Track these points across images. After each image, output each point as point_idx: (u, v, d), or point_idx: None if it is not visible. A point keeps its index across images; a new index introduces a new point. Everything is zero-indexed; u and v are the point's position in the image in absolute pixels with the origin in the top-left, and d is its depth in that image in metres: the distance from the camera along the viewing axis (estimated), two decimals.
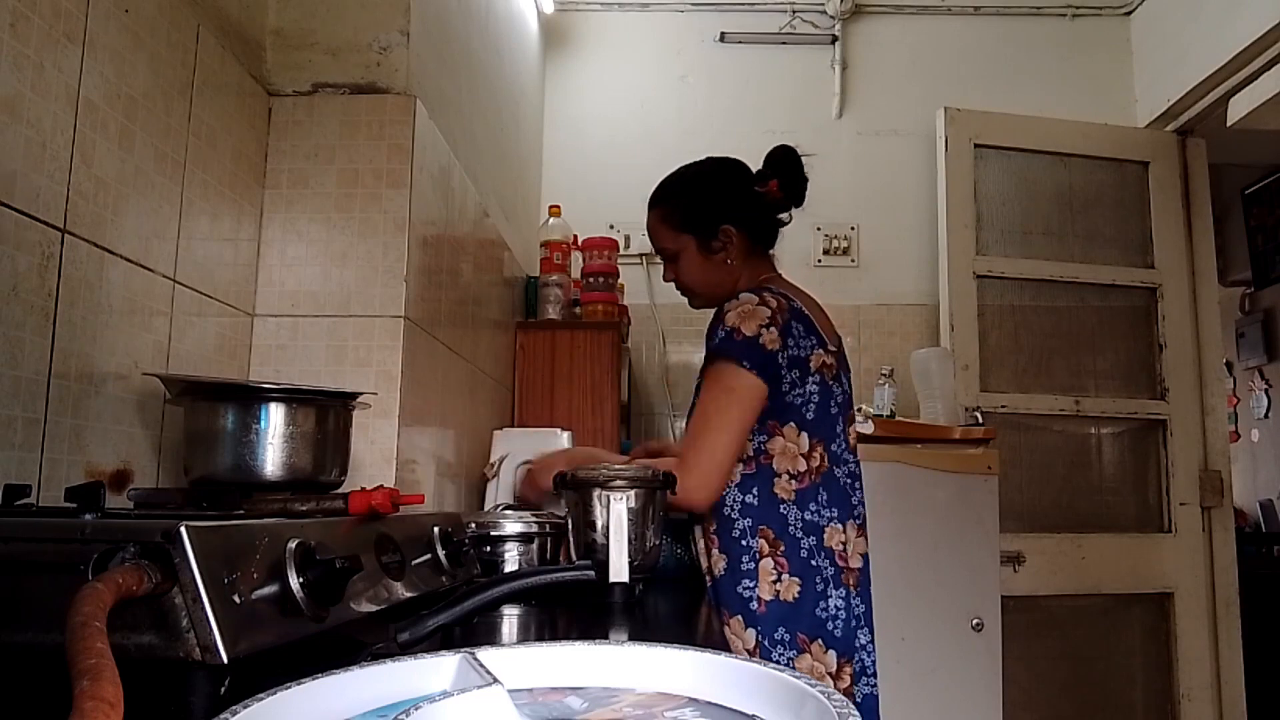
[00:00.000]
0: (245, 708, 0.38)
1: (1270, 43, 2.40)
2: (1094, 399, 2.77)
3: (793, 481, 1.37)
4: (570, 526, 1.38)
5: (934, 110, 2.91)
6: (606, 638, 0.74)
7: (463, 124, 1.91)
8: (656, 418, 2.98)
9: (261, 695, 0.39)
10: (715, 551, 1.40)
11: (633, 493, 1.31)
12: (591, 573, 1.02)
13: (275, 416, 1.01)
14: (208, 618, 0.57)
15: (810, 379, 1.40)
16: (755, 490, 1.38)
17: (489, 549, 1.33)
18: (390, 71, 1.50)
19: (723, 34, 3.13)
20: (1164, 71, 2.88)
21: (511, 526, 1.34)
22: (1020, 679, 2.50)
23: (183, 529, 0.58)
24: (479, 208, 2.02)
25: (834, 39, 3.10)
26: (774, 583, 1.34)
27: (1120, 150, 2.89)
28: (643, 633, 1.01)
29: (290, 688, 0.41)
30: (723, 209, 1.54)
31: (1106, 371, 2.84)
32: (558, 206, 2.60)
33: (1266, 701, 2.96)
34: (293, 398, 1.03)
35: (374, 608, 0.79)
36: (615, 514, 1.23)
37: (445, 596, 0.86)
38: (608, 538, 1.22)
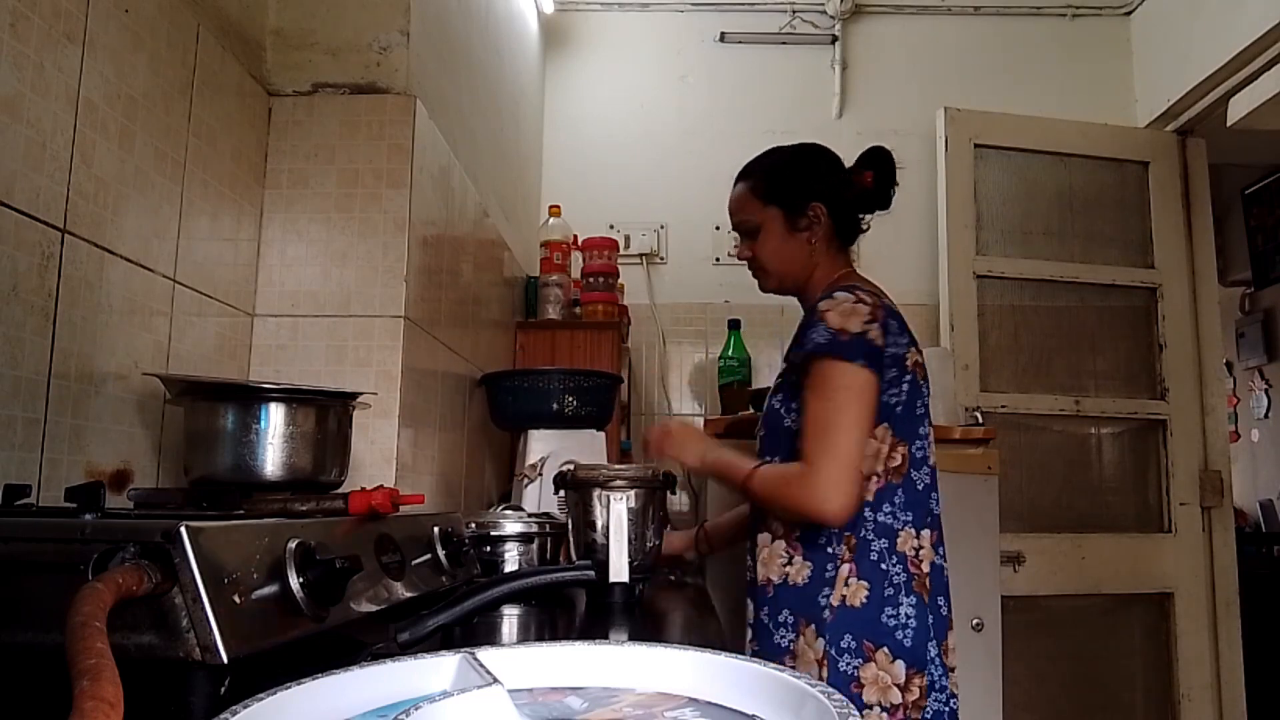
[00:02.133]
0: (245, 708, 0.38)
1: (1270, 43, 2.39)
2: (1094, 399, 2.77)
3: (873, 479, 1.32)
4: (570, 526, 1.38)
5: (934, 110, 2.90)
6: (606, 638, 0.74)
7: (463, 124, 1.91)
8: (656, 418, 2.98)
9: (261, 695, 0.39)
10: (798, 559, 1.32)
11: (632, 493, 1.31)
12: (591, 573, 1.03)
13: (275, 416, 1.01)
14: (208, 618, 0.57)
15: (905, 378, 1.35)
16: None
17: (489, 549, 1.33)
18: (390, 71, 1.50)
19: (723, 34, 3.13)
20: (1164, 71, 2.88)
21: (511, 526, 1.34)
22: (1020, 679, 2.50)
23: (183, 529, 0.58)
24: (479, 208, 2.02)
25: (834, 39, 3.10)
26: (842, 587, 1.29)
27: (1120, 150, 2.89)
28: (642, 633, 1.01)
29: (290, 688, 0.41)
30: (814, 186, 1.46)
31: (1106, 371, 2.83)
32: (558, 206, 2.60)
33: (1266, 701, 2.96)
34: (293, 398, 1.03)
35: (374, 608, 0.79)
36: (615, 514, 1.23)
37: (445, 596, 0.86)
38: (608, 538, 1.22)
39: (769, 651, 1.32)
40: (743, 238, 1.50)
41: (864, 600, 1.27)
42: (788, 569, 1.33)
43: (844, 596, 1.28)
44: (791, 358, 1.37)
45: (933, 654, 1.28)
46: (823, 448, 1.25)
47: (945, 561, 1.37)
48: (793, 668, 1.17)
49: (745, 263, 1.51)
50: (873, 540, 1.30)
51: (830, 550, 1.31)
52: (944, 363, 2.58)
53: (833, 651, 1.26)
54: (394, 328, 1.44)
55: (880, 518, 1.31)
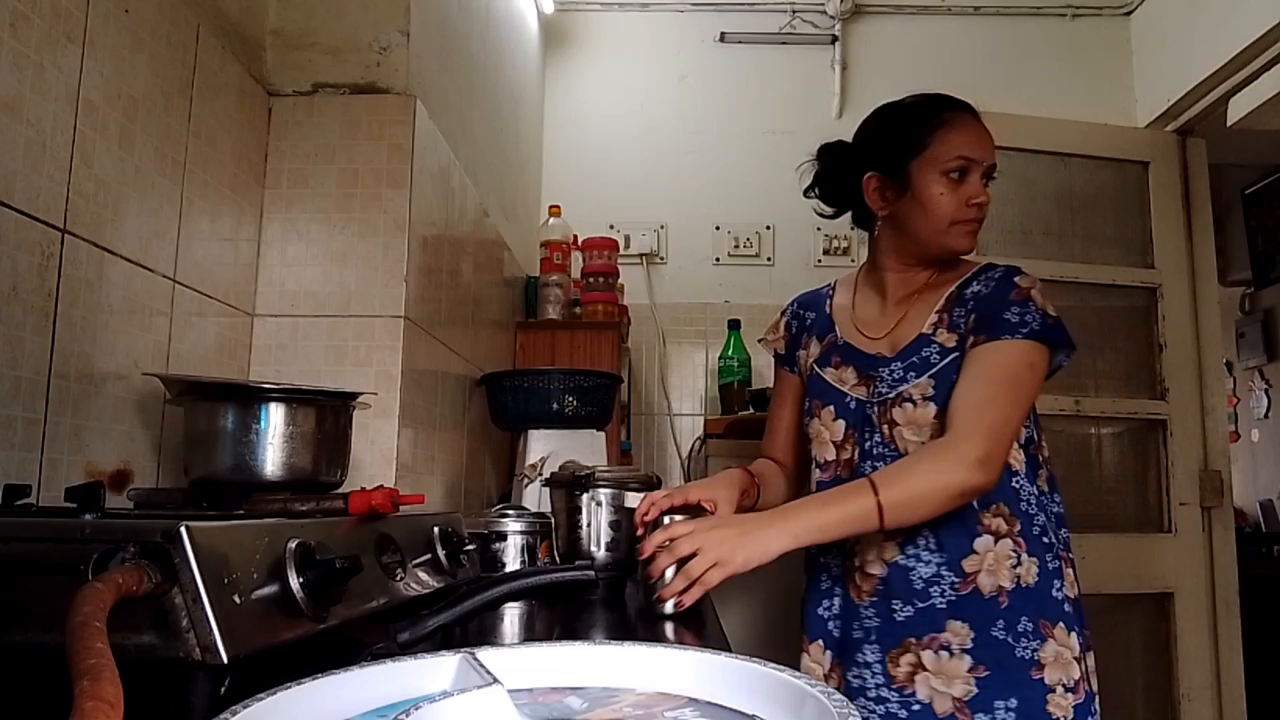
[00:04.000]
0: (245, 708, 0.38)
1: (1270, 43, 2.39)
2: (1094, 399, 2.77)
3: (1044, 469, 1.28)
4: (554, 525, 1.39)
5: None
6: (605, 638, 0.74)
7: (463, 124, 1.91)
8: (656, 418, 2.98)
9: (261, 695, 0.39)
10: (1025, 556, 1.19)
11: (615, 492, 1.32)
12: (591, 573, 1.02)
13: (275, 416, 1.01)
14: (208, 618, 0.57)
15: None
16: (1037, 478, 1.26)
17: (489, 549, 1.32)
18: (390, 71, 1.50)
19: (723, 34, 3.13)
20: (1164, 71, 2.88)
21: (511, 526, 1.34)
22: None
23: (183, 529, 0.58)
24: (479, 208, 2.02)
25: (834, 39, 3.10)
26: (1069, 579, 1.23)
27: (1120, 150, 2.89)
28: (642, 633, 1.01)
29: (290, 688, 0.41)
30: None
31: (1106, 371, 2.83)
32: (558, 206, 2.60)
33: (1266, 701, 2.96)
34: (293, 398, 1.03)
35: (374, 608, 0.79)
36: (600, 514, 1.24)
37: (445, 596, 0.86)
38: (593, 537, 1.23)
39: (1008, 666, 1.15)
40: (986, 178, 1.28)
41: (1035, 578, 1.19)
42: (1019, 570, 1.19)
43: (1072, 590, 1.22)
44: (972, 324, 1.22)
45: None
46: (990, 411, 1.14)
47: None
48: (1040, 680, 1.13)
49: (983, 208, 1.26)
50: (1036, 515, 1.22)
51: (1047, 540, 1.22)
52: None
53: (1083, 646, 1.19)
54: (394, 328, 1.44)
55: (1054, 508, 1.27)
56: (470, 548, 1.08)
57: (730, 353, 2.75)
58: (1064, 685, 1.15)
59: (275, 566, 0.65)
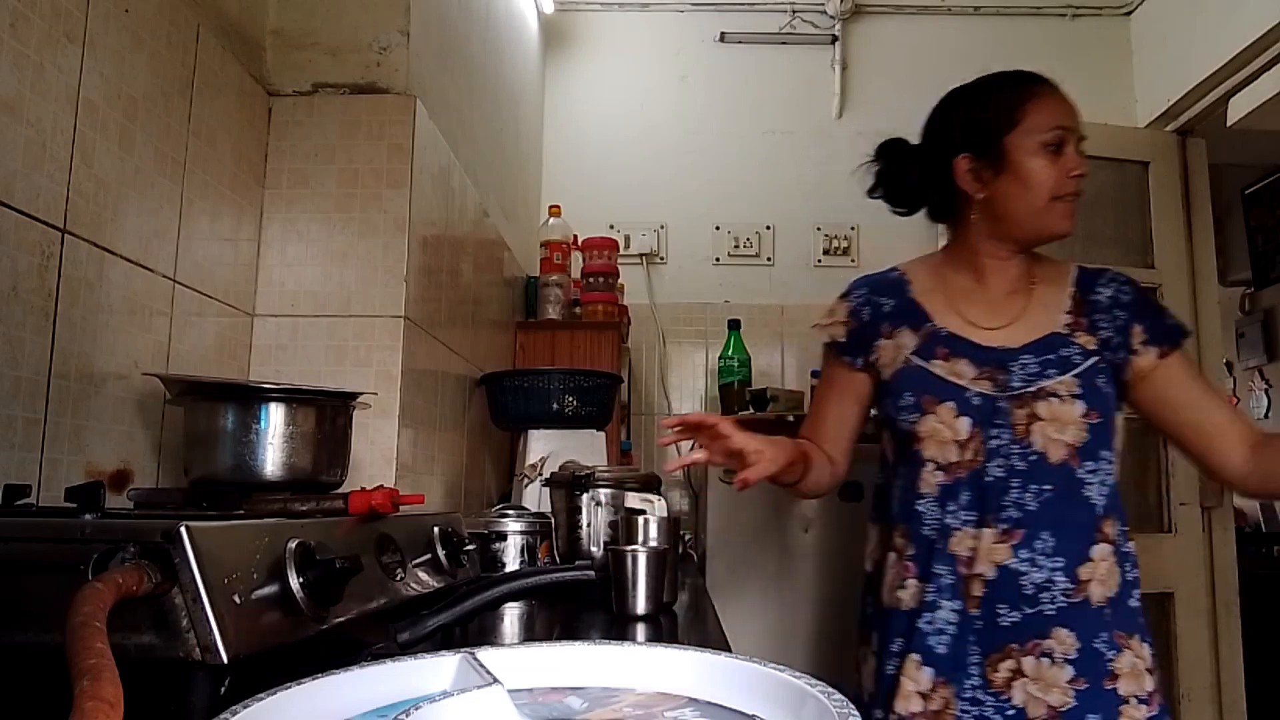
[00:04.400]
0: (245, 708, 0.38)
1: (1270, 43, 2.39)
2: None
3: (1115, 460, 1.27)
4: (554, 525, 1.39)
5: None
6: (605, 638, 0.74)
7: (463, 124, 1.91)
8: (656, 418, 2.98)
9: (261, 695, 0.39)
10: (1114, 566, 1.17)
11: (615, 492, 1.32)
12: (591, 573, 1.03)
13: (275, 416, 1.01)
14: (208, 618, 0.57)
15: None
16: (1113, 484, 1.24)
17: (489, 549, 1.33)
18: (390, 71, 1.50)
19: (722, 34, 3.13)
20: (1164, 71, 2.88)
21: (511, 526, 1.34)
22: None
23: (183, 529, 0.58)
24: (479, 208, 2.02)
25: (834, 39, 3.10)
26: (1138, 586, 1.20)
27: (1120, 150, 2.89)
28: (642, 633, 1.01)
29: (290, 688, 0.41)
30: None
31: None
32: (558, 206, 2.60)
33: (1266, 701, 2.96)
34: (293, 398, 1.03)
35: (374, 608, 0.79)
36: (600, 514, 1.24)
37: (445, 596, 0.86)
38: (593, 537, 1.22)
39: (1101, 678, 1.13)
40: (1077, 153, 1.23)
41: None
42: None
43: (1140, 600, 1.19)
44: (1140, 334, 1.22)
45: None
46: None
47: None
48: (1113, 691, 1.11)
49: (1081, 179, 1.22)
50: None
51: (1126, 550, 1.20)
52: None
53: (1151, 655, 1.16)
54: (394, 328, 1.44)
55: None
56: (470, 548, 1.08)
57: (730, 353, 2.75)
58: (1137, 697, 1.12)
59: (275, 566, 0.65)
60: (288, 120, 1.47)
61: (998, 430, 1.18)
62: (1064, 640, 1.13)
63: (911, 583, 1.20)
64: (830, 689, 0.40)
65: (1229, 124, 2.85)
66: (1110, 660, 1.12)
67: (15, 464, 0.90)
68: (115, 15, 1.06)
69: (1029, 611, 1.13)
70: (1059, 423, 1.16)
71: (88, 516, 0.64)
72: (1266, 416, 4.37)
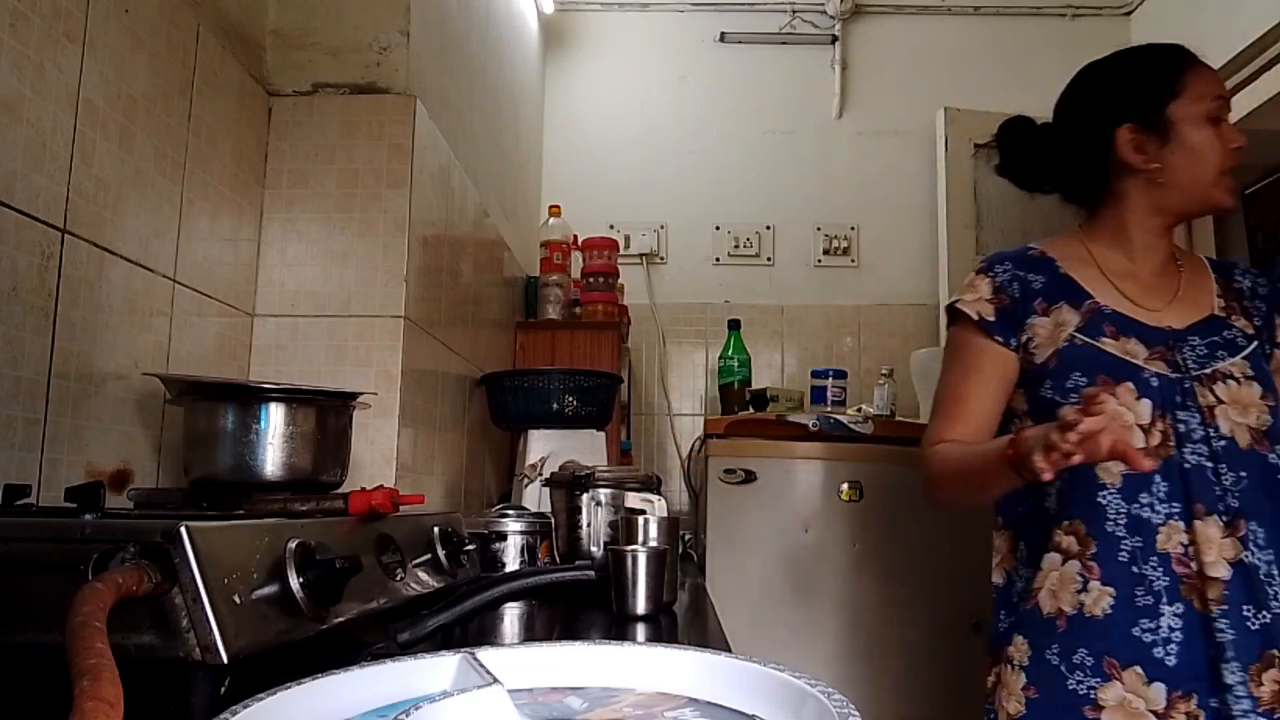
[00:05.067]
0: (245, 708, 0.38)
1: (1270, 43, 2.39)
2: None
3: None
4: (554, 525, 1.39)
5: (934, 110, 2.90)
6: (605, 638, 0.74)
7: (463, 124, 1.91)
8: (656, 418, 2.98)
9: (261, 695, 0.39)
10: (1095, 584, 1.08)
11: (615, 492, 1.32)
12: (591, 573, 1.03)
13: (275, 416, 1.01)
14: (208, 618, 0.57)
15: None
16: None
17: (489, 549, 1.33)
18: (390, 71, 1.50)
19: (723, 34, 3.13)
20: None
21: (511, 526, 1.34)
22: None
23: (183, 529, 0.58)
24: (479, 208, 2.02)
25: (834, 39, 3.10)
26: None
27: None
28: (642, 633, 1.01)
29: (290, 688, 0.41)
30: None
31: None
32: (558, 206, 2.60)
33: None
34: (293, 398, 1.03)
35: (374, 608, 0.79)
36: (600, 514, 1.24)
37: (445, 596, 0.86)
38: (593, 537, 1.22)
39: (1059, 698, 1.06)
40: (1227, 123, 1.22)
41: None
42: (1082, 597, 1.07)
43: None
44: None
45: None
46: None
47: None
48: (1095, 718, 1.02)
49: (1241, 151, 1.22)
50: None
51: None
52: None
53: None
54: (394, 328, 1.44)
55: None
56: (470, 548, 1.08)
57: (730, 353, 2.74)
58: None
59: (275, 566, 0.65)
60: (288, 120, 1.47)
61: (1187, 413, 1.10)
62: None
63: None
64: (830, 689, 0.40)
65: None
66: (1090, 687, 1.04)
67: (15, 464, 0.90)
68: (115, 15, 1.06)
69: (1277, 610, 1.03)
70: (1240, 405, 1.10)
71: (88, 516, 0.64)
72: None
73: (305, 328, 1.44)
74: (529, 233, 2.73)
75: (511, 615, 1.06)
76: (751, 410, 2.59)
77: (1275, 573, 1.05)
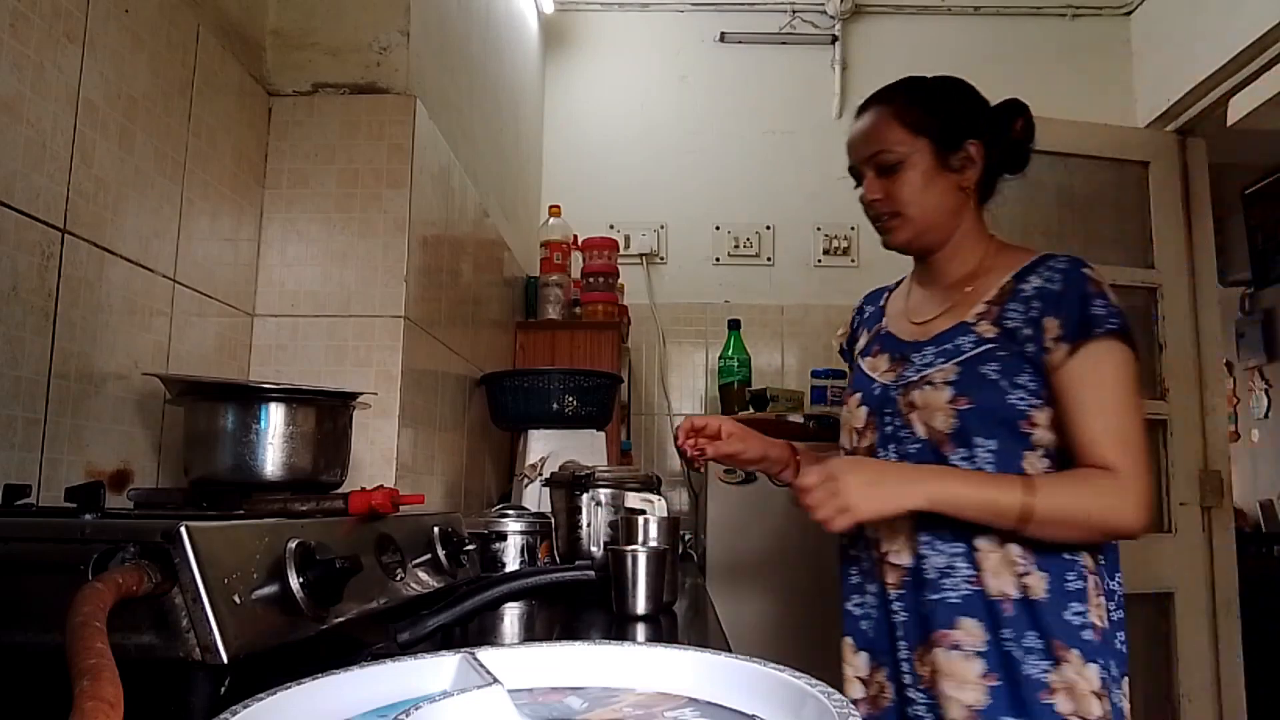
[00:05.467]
0: (245, 708, 0.38)
1: (1270, 43, 2.39)
2: None
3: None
4: (554, 525, 1.39)
5: None
6: (605, 638, 0.74)
7: (463, 124, 1.91)
8: (656, 418, 2.98)
9: (261, 695, 0.39)
10: (1034, 568, 1.10)
11: (615, 492, 1.32)
12: (591, 573, 1.03)
13: (275, 416, 1.01)
14: (208, 618, 0.57)
15: None
16: None
17: (489, 549, 1.33)
18: (390, 71, 1.50)
19: (723, 34, 3.13)
20: (1164, 71, 2.88)
21: (511, 526, 1.34)
22: None
23: (183, 529, 0.58)
24: (479, 208, 2.02)
25: (834, 39, 3.10)
26: (1098, 605, 1.12)
27: (1120, 150, 2.89)
28: (642, 633, 1.01)
29: (290, 688, 0.41)
30: (972, 121, 1.27)
31: None
32: (558, 206, 2.60)
33: (1266, 701, 2.96)
34: (293, 398, 1.03)
35: (374, 608, 0.79)
36: (600, 514, 1.24)
37: (445, 596, 0.86)
38: (593, 537, 1.22)
39: (1020, 682, 1.07)
40: (877, 174, 1.23)
41: (1109, 623, 1.13)
42: (1026, 579, 1.10)
43: (1099, 618, 1.11)
44: (1054, 329, 1.12)
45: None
46: (1136, 455, 1.08)
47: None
48: (1050, 706, 1.03)
49: (873, 205, 1.25)
50: (1106, 551, 1.17)
51: (1068, 556, 1.11)
52: None
53: (1110, 683, 1.09)
54: (394, 328, 1.44)
55: None
56: (470, 548, 1.08)
57: (730, 353, 2.75)
58: (1081, 718, 1.06)
59: (275, 566, 0.65)
60: (288, 120, 1.47)
61: (890, 415, 1.21)
62: (971, 631, 1.09)
63: (843, 565, 1.28)
64: (830, 689, 0.40)
65: (1229, 124, 2.85)
66: (1042, 669, 1.06)
67: (15, 464, 0.90)
68: (115, 15, 1.06)
69: (933, 598, 1.12)
70: (930, 409, 1.15)
71: (88, 516, 0.64)
72: (1266, 416, 4.37)
73: (305, 328, 1.44)
74: (529, 233, 2.73)
75: (511, 615, 1.06)
76: (751, 410, 2.60)
77: (957, 565, 1.12)
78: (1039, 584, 1.09)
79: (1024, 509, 1.05)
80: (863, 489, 1.06)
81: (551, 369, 2.09)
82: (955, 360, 1.16)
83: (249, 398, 1.02)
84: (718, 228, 3.06)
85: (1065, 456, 1.13)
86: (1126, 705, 1.12)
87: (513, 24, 2.55)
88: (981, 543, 1.11)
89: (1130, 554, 2.88)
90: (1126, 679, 1.13)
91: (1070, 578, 1.10)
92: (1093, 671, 1.07)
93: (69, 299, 0.98)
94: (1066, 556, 1.10)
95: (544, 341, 2.47)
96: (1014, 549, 1.10)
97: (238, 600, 0.60)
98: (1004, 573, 1.10)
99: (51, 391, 0.95)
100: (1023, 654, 1.07)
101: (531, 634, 0.99)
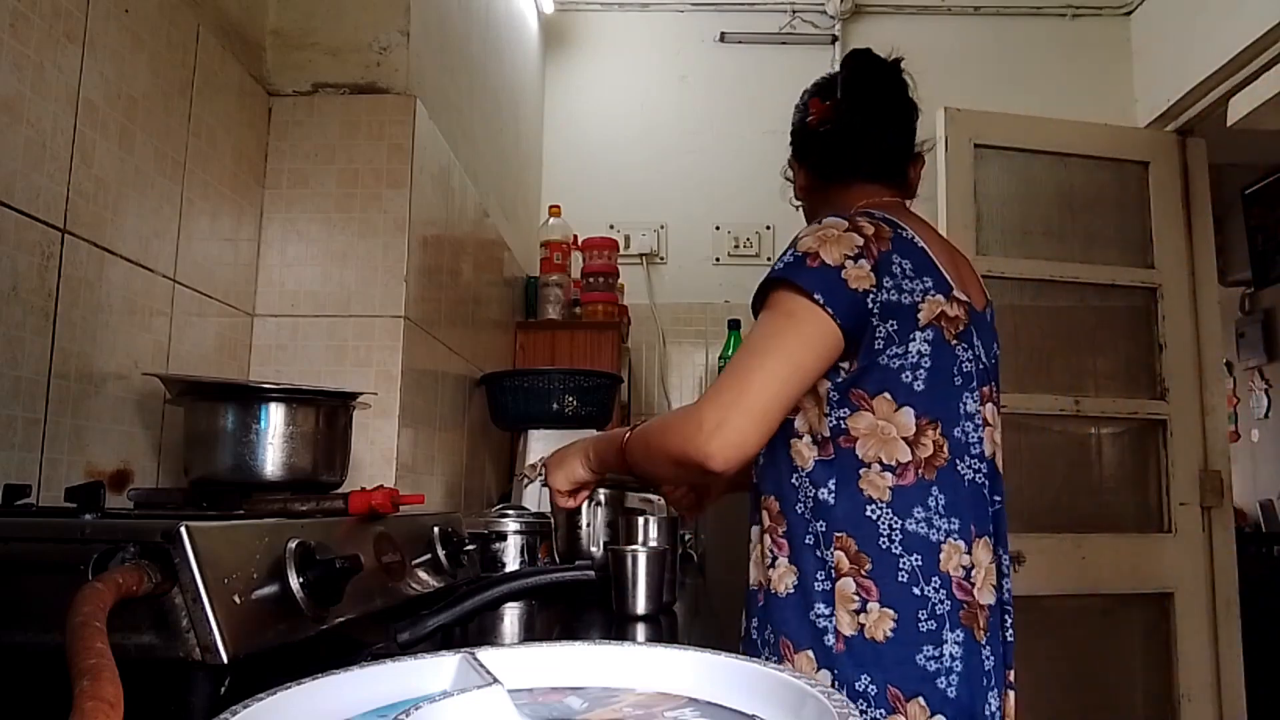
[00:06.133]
0: (245, 708, 0.37)
1: (1270, 43, 2.39)
2: (1094, 399, 2.77)
3: (888, 475, 0.99)
4: (554, 525, 1.39)
5: (934, 110, 2.90)
6: (605, 638, 0.74)
7: (463, 124, 1.91)
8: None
9: (261, 695, 0.39)
10: (784, 560, 1.03)
11: (615, 493, 1.32)
12: (591, 573, 1.03)
13: (275, 416, 1.01)
14: (208, 618, 0.57)
15: (917, 334, 1.02)
16: (833, 483, 1.01)
17: (489, 549, 1.33)
18: (390, 71, 1.50)
19: (722, 34, 3.13)
20: (1164, 71, 2.88)
21: (511, 526, 1.34)
22: (1020, 679, 2.49)
23: (183, 529, 0.58)
24: (479, 208, 2.02)
25: (834, 39, 3.10)
26: (856, 612, 0.97)
27: (1120, 150, 2.89)
28: (642, 632, 1.01)
29: (290, 688, 0.41)
30: (792, 140, 1.34)
31: (1106, 371, 2.83)
32: (558, 206, 2.60)
33: (1266, 701, 2.96)
34: (293, 398, 1.03)
35: (374, 608, 0.79)
36: (600, 514, 1.23)
37: (445, 596, 0.86)
38: (592, 537, 1.22)
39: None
40: None
41: (889, 634, 0.96)
42: (769, 571, 1.05)
43: (861, 625, 0.97)
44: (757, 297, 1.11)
45: (993, 708, 0.99)
46: (729, 374, 0.99)
47: (1009, 583, 1.08)
48: None
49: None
50: (900, 556, 0.98)
51: (819, 555, 1.01)
52: None
53: (846, 693, 0.96)
54: (394, 328, 1.44)
55: (910, 525, 0.99)
56: (470, 548, 1.08)
57: (730, 352, 2.74)
58: None
59: (275, 566, 0.65)
60: (288, 120, 1.47)
61: None
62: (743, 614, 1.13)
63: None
64: (830, 689, 0.40)
65: (1229, 124, 2.84)
66: (873, 719, 0.96)
67: (15, 464, 0.90)
68: (115, 15, 1.06)
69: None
70: None
71: (88, 516, 0.64)
72: (1266, 416, 4.37)
73: (305, 328, 1.44)
74: (529, 233, 2.73)
75: (511, 615, 1.06)
76: None
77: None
78: (787, 578, 1.04)
79: (624, 440, 1.11)
80: (551, 463, 1.19)
81: (551, 369, 2.09)
82: None
83: (249, 398, 1.02)
84: (718, 228, 3.05)
85: (842, 444, 1.03)
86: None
87: (513, 24, 2.55)
88: (753, 532, 1.13)
89: (1130, 554, 2.89)
90: (916, 702, 0.96)
91: (819, 577, 1.01)
92: (825, 677, 0.98)
93: (69, 299, 0.98)
94: (818, 554, 1.01)
95: (544, 341, 2.47)
96: (767, 540, 1.08)
97: (238, 600, 0.60)
98: (757, 563, 1.10)
99: (51, 391, 0.95)
100: (761, 645, 1.04)
101: (531, 634, 0.99)
